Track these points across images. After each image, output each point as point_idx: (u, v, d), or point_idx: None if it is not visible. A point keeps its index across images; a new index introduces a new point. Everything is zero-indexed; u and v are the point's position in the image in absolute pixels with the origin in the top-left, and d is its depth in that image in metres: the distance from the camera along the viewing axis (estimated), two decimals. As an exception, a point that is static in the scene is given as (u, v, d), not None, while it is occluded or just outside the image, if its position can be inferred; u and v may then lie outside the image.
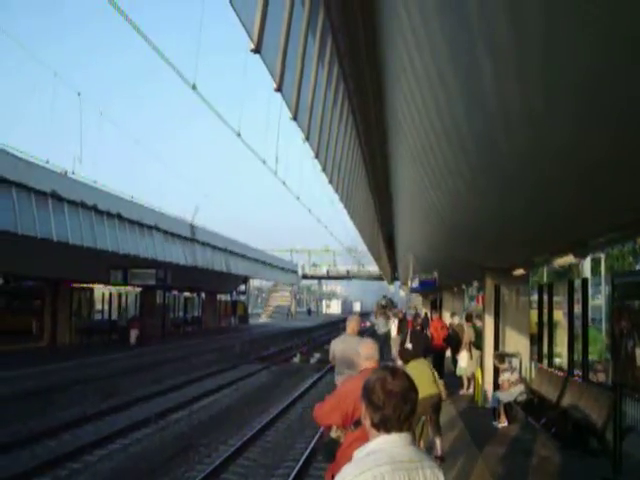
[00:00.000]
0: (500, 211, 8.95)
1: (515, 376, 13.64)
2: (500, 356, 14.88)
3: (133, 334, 39.61)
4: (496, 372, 14.80)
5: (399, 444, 2.75)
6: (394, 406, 2.74)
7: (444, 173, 8.27)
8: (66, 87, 64.86)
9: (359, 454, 2.80)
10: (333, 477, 5.12)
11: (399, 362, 11.02)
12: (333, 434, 5.14)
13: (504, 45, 3.96)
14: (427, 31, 5.05)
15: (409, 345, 10.77)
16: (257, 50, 6.36)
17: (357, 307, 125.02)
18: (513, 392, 13.29)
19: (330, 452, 5.16)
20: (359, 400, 5.04)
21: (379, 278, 79.64)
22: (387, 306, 59.94)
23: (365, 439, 4.66)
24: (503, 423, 13.30)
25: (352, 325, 10.15)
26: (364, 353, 5.60)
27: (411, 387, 2.83)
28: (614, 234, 9.44)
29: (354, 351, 9.71)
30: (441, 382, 10.51)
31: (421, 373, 9.56)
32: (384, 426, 2.76)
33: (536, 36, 3.62)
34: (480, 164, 6.79)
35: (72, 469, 12.21)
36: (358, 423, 5.01)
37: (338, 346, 9.50)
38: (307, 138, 10.46)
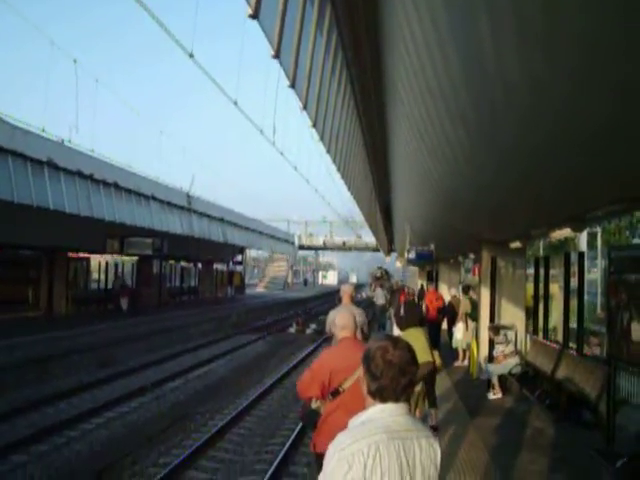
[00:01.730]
0: (498, 181, 8.90)
1: (510, 348, 13.69)
2: (495, 328, 14.93)
3: (124, 302, 40.03)
4: (491, 344, 14.85)
5: (395, 413, 2.74)
6: (392, 377, 2.73)
7: (442, 142, 8.20)
8: (62, 55, 64.17)
9: (354, 422, 2.79)
10: (315, 446, 5.19)
11: (396, 330, 11.05)
12: (313, 405, 5.18)
13: (503, 8, 3.89)
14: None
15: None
16: (255, 16, 6.26)
17: (353, 278, 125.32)
18: (507, 364, 13.35)
19: (311, 422, 5.26)
20: (335, 370, 5.10)
21: (376, 250, 79.71)
22: (382, 277, 59.32)
23: (344, 408, 4.71)
24: (497, 395, 13.37)
25: (346, 295, 10.18)
26: (339, 323, 5.62)
27: (411, 359, 2.81)
28: (612, 207, 9.39)
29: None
30: (436, 353, 10.53)
31: (416, 339, 9.55)
32: (380, 395, 2.74)
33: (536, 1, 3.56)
34: (479, 132, 6.73)
35: (69, 437, 12.28)
36: (336, 393, 5.04)
37: (333, 314, 9.51)
38: (305, 107, 10.37)
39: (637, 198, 8.02)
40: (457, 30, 4.79)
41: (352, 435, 2.69)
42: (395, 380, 2.73)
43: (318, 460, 4.89)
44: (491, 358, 14.48)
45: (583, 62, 3.96)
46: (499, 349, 13.64)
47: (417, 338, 9.56)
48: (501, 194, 9.88)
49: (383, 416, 2.73)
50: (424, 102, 7.41)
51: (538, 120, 5.34)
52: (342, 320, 5.62)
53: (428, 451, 2.76)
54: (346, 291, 10.31)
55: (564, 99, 4.72)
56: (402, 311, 10.39)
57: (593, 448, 8.70)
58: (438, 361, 10.47)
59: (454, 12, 4.57)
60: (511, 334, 15.12)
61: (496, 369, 13.42)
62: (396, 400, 2.75)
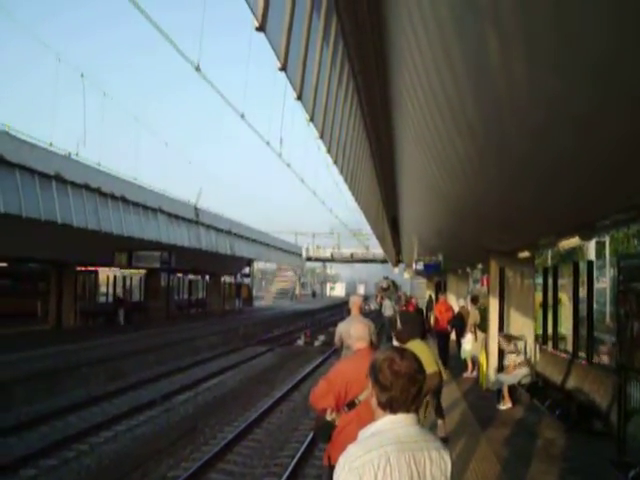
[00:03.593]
0: (507, 196, 8.88)
1: (521, 358, 13.62)
2: (506, 337, 14.87)
3: (121, 315, 41.01)
4: (501, 354, 14.78)
5: (405, 424, 2.74)
6: (401, 387, 2.72)
7: (450, 155, 8.19)
8: (69, 68, 64.54)
9: (364, 434, 2.78)
10: (330, 459, 5.15)
11: (395, 343, 10.99)
12: (328, 417, 5.15)
13: (512, 23, 3.88)
14: (434, 9, 4.97)
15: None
16: (261, 28, 6.29)
17: (361, 290, 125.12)
18: (518, 374, 13.28)
19: (326, 435, 5.18)
20: (351, 381, 5.07)
21: (383, 261, 79.51)
22: (389, 288, 58.54)
23: (359, 420, 4.68)
24: (507, 405, 13.29)
25: (355, 306, 10.19)
26: (355, 334, 5.62)
27: (419, 368, 2.80)
28: (620, 216, 9.37)
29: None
30: (441, 364, 10.49)
31: (421, 352, 9.49)
32: (390, 407, 2.74)
33: (546, 14, 3.55)
34: (487, 146, 6.72)
35: (79, 450, 12.27)
36: (352, 405, 5.00)
37: (344, 329, 9.50)
38: (312, 118, 10.39)
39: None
40: (465, 42, 4.79)
41: (362, 447, 2.68)
42: (405, 391, 2.73)
43: (332, 473, 4.86)
44: (501, 368, 14.41)
45: (599, 78, 3.94)
46: (510, 358, 13.57)
47: (421, 351, 9.50)
48: (510, 208, 9.86)
49: (393, 427, 2.72)
50: (431, 114, 7.41)
51: (549, 136, 5.32)
52: (358, 331, 5.63)
53: (439, 462, 2.74)
54: (355, 302, 10.31)
55: (576, 115, 4.69)
56: (399, 324, 10.32)
57: (605, 458, 8.64)
58: (444, 371, 10.42)
59: (462, 24, 4.57)
60: (521, 344, 15.05)
61: (507, 379, 13.35)
62: (407, 411, 2.74)
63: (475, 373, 17.52)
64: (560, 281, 16.38)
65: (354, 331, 5.66)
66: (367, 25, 7.73)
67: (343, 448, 2.79)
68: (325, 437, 5.22)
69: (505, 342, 14.51)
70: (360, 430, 2.85)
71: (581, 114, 4.64)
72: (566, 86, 4.17)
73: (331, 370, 5.65)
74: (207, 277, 63.05)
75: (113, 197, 29.60)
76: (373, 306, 60.81)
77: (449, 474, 2.78)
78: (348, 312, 10.88)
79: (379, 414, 2.79)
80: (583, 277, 14.25)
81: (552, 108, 4.69)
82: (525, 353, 14.93)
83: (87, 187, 27.05)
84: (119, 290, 46.36)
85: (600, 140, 5.14)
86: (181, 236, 38.78)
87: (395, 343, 11.22)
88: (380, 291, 59.92)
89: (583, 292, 14.22)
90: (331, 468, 4.99)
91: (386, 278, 64.91)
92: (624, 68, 3.67)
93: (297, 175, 21.96)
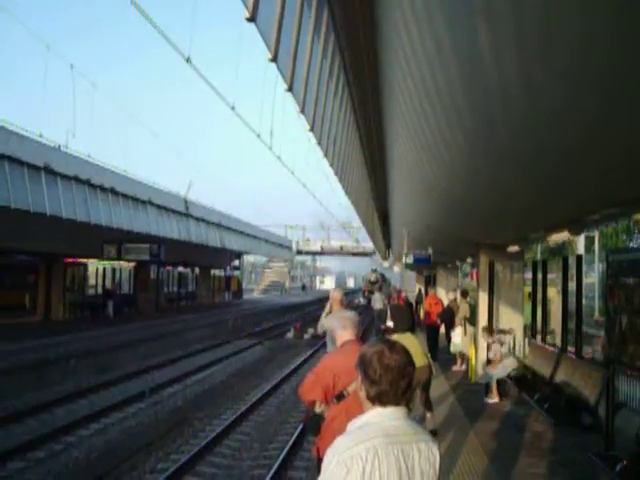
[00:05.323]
0: (495, 185, 8.89)
1: (505, 349, 13.64)
2: (488, 329, 14.91)
3: (109, 308, 40.97)
4: (488, 347, 14.83)
5: (393, 417, 2.73)
6: (391, 381, 2.71)
7: (440, 146, 8.20)
8: (59, 60, 64.16)
9: (352, 426, 2.77)
10: (319, 450, 5.15)
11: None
12: (317, 409, 5.15)
13: (502, 13, 3.89)
14: (424, 1, 4.96)
15: (390, 323, 10.62)
16: (252, 19, 6.25)
17: (351, 283, 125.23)
18: (506, 365, 13.30)
19: (315, 427, 5.19)
20: (339, 373, 5.07)
21: (373, 254, 79.56)
22: (377, 282, 57.88)
23: (348, 412, 4.68)
24: (494, 399, 13.32)
25: (335, 302, 9.54)
26: (340, 323, 5.58)
27: (408, 362, 2.79)
28: (608, 210, 9.40)
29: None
30: (430, 357, 10.51)
31: (410, 345, 9.49)
32: (379, 400, 2.72)
33: (534, 4, 3.55)
34: (476, 136, 6.72)
35: (67, 443, 12.24)
36: (340, 397, 5.00)
37: (330, 321, 9.43)
38: (302, 110, 10.34)
39: (633, 201, 8.02)
40: (455, 34, 4.78)
41: (351, 439, 2.67)
42: (395, 384, 2.71)
43: (320, 465, 4.86)
44: (489, 361, 14.45)
45: (578, 67, 3.97)
46: (494, 349, 13.61)
47: (410, 344, 9.51)
48: (498, 198, 9.87)
49: (382, 420, 2.71)
50: (421, 105, 7.40)
51: (535, 121, 5.33)
52: (342, 321, 5.59)
53: (427, 455, 2.74)
54: (334, 298, 9.20)
55: (559, 104, 4.72)
56: (389, 316, 10.29)
57: (592, 452, 8.67)
58: (432, 365, 10.45)
59: (453, 16, 4.56)
60: (506, 338, 15.04)
61: (497, 373, 13.38)
62: (396, 404, 2.73)
63: (464, 367, 17.57)
64: (549, 275, 16.44)
65: (339, 321, 5.62)
66: (358, 16, 7.70)
67: (332, 440, 2.78)
68: (314, 429, 5.23)
69: (486, 335, 14.57)
70: (349, 422, 2.84)
71: (561, 102, 4.66)
72: (548, 73, 4.18)
73: (319, 363, 5.64)
74: (197, 270, 62.99)
75: (103, 189, 29.45)
76: (361, 300, 60.02)
77: (438, 467, 2.77)
78: (330, 310, 9.65)
79: (368, 406, 2.77)
80: (572, 271, 14.31)
81: (534, 97, 4.71)
82: (514, 347, 14.99)
83: (76, 179, 26.90)
84: (108, 282, 46.18)
85: (580, 130, 5.17)
86: (171, 228, 38.67)
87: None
88: (368, 285, 59.12)
89: (572, 286, 14.29)
90: (320, 460, 4.99)
91: (374, 271, 64.16)
92: (600, 60, 3.70)
93: (287, 168, 21.88)
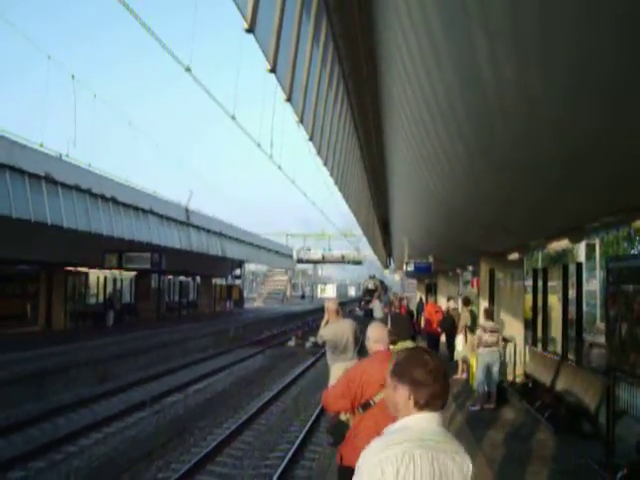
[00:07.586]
0: (495, 194, 8.91)
1: (494, 338, 13.32)
2: (465, 299, 14.68)
3: (109, 318, 40.76)
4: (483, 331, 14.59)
5: (434, 423, 2.75)
6: (440, 383, 2.75)
7: (440, 156, 8.22)
8: (60, 70, 64.30)
9: (389, 429, 2.78)
10: (342, 459, 5.15)
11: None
12: (342, 417, 5.16)
13: (500, 26, 3.91)
14: (423, 12, 4.99)
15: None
16: (251, 30, 6.28)
17: (352, 292, 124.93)
18: (483, 355, 13.01)
19: (340, 434, 5.17)
20: (368, 383, 5.05)
21: (374, 263, 79.43)
22: (377, 289, 56.80)
23: (373, 421, 4.67)
24: (491, 405, 13.27)
25: (331, 312, 9.57)
26: (373, 336, 5.57)
27: (443, 364, 2.85)
28: (608, 218, 9.41)
29: (344, 335, 9.55)
30: None
31: None
32: (429, 404, 2.73)
33: (532, 16, 3.58)
34: (476, 146, 6.75)
35: (68, 452, 12.22)
36: (366, 406, 4.98)
37: (328, 331, 9.44)
38: (301, 120, 10.37)
39: (633, 208, 8.04)
40: (453, 44, 4.81)
41: (386, 442, 2.67)
42: (443, 387, 2.76)
43: (342, 473, 4.85)
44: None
45: (577, 79, 3.99)
46: (479, 335, 13.33)
47: None
48: (498, 206, 9.90)
49: (420, 425, 2.72)
50: (421, 115, 7.43)
51: (533, 134, 5.36)
52: (376, 334, 5.60)
53: (461, 466, 2.74)
54: (330, 308, 9.46)
55: (558, 114, 4.74)
56: (389, 325, 10.27)
57: (593, 459, 8.67)
58: None
59: (450, 26, 4.59)
60: (498, 325, 14.77)
61: (464, 352, 13.02)
62: (442, 407, 2.77)
63: (465, 375, 17.54)
64: (550, 283, 16.43)
65: (371, 333, 5.63)
66: (357, 27, 7.76)
67: (356, 448, 2.78)
68: (339, 437, 5.21)
69: (464, 304, 14.35)
70: (374, 431, 2.84)
71: (560, 112, 4.69)
72: (546, 83, 4.21)
73: (347, 372, 5.60)
74: (198, 279, 62.93)
75: (104, 198, 29.48)
76: (357, 310, 58.10)
77: (469, 478, 2.77)
78: (327, 322, 9.65)
79: (405, 412, 2.77)
80: (573, 279, 14.31)
81: (534, 107, 4.74)
82: (508, 348, 14.87)
83: (77, 188, 26.93)
84: (109, 292, 46.13)
85: (580, 139, 5.19)
86: (172, 237, 38.67)
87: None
88: (367, 293, 57.46)
89: (573, 294, 14.27)
90: (343, 468, 4.98)
91: (372, 277, 62.89)
92: (599, 71, 3.73)
93: (288, 177, 21.92)
